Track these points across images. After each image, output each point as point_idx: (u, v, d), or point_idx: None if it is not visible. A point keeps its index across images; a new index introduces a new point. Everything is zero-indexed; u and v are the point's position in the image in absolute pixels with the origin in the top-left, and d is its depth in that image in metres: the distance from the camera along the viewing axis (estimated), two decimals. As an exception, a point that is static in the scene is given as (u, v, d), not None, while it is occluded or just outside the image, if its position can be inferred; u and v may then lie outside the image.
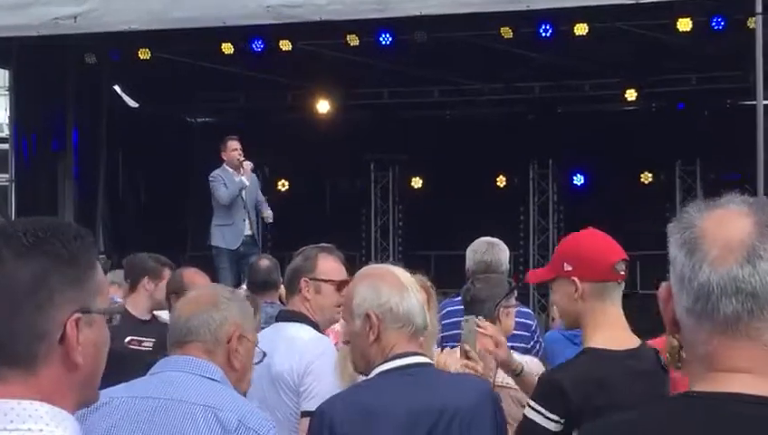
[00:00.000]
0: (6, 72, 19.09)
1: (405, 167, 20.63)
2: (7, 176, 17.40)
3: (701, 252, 1.97)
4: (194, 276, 7.54)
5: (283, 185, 20.19)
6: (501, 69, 17.72)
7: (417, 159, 20.11)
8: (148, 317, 7.88)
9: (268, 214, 13.34)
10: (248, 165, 13.02)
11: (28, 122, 17.06)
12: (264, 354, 3.83)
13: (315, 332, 5.25)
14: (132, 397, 3.38)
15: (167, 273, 7.95)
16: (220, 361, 3.47)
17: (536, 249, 19.78)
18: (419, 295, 3.81)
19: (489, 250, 7.31)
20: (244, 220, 12.89)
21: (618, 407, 2.39)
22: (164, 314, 7.84)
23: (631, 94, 18.24)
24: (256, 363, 3.72)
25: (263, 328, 5.44)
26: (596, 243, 4.30)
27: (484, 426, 3.63)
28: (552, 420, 3.92)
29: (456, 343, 4.99)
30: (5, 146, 17.98)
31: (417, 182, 20.66)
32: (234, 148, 12.97)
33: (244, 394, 3.65)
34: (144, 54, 15.94)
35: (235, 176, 12.89)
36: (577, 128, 18.73)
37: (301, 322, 5.20)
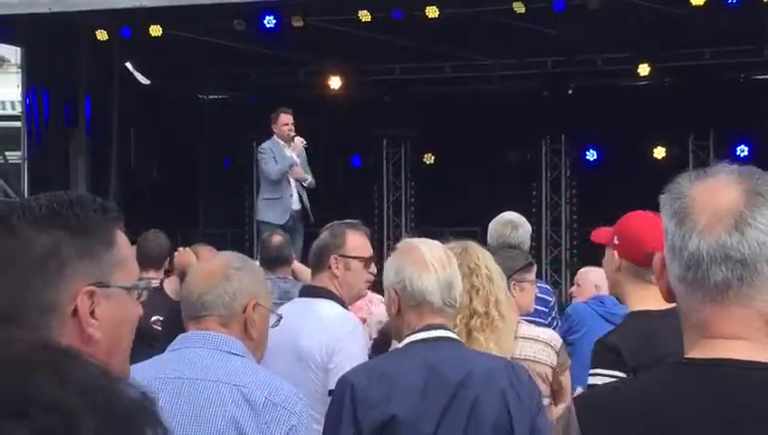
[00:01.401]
0: (18, 50, 19.11)
1: (417, 143, 20.60)
2: (20, 153, 17.46)
3: (691, 221, 1.98)
4: (207, 254, 7.59)
5: (295, 162, 20.21)
6: (513, 44, 17.66)
7: (430, 135, 20.07)
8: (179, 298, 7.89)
9: (310, 181, 12.66)
10: (300, 140, 12.56)
11: (40, 100, 17.10)
12: (280, 317, 3.81)
13: (342, 309, 5.23)
14: (158, 378, 3.34)
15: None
16: (237, 332, 3.45)
17: (549, 225, 19.75)
18: (448, 272, 3.79)
19: (512, 229, 7.29)
20: (291, 195, 12.51)
21: (671, 358, 2.42)
22: None
23: (644, 69, 18.16)
24: (272, 327, 3.71)
25: (279, 303, 5.43)
26: (641, 228, 4.32)
27: (494, 401, 3.61)
28: (611, 377, 3.93)
29: None
30: (18, 123, 18.03)
31: (429, 158, 20.63)
32: (285, 122, 12.44)
33: (259, 361, 3.63)
34: (155, 31, 15.94)
35: (286, 150, 12.49)
36: (589, 103, 18.68)
37: (327, 298, 5.16)
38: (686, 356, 2.04)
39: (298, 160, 12.45)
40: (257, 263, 3.92)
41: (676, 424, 1.96)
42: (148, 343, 3.77)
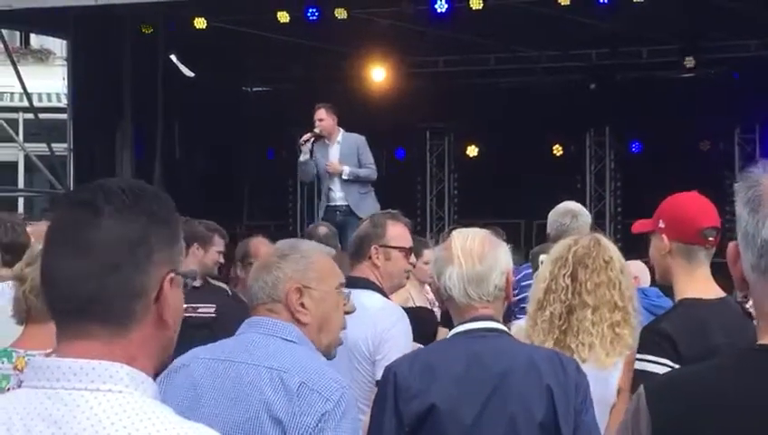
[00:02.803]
0: (64, 43, 19.26)
1: (460, 135, 20.56)
2: (65, 145, 17.58)
3: (765, 208, 1.97)
4: (258, 245, 7.72)
5: (338, 153, 20.22)
6: (557, 36, 17.58)
7: (473, 127, 20.03)
8: (199, 284, 7.94)
9: (347, 171, 12.33)
10: (339, 131, 12.25)
11: (86, 92, 17.22)
12: (349, 293, 3.81)
13: (386, 299, 5.23)
14: (211, 359, 3.45)
15: (216, 239, 8.02)
16: (285, 318, 3.50)
17: (593, 217, 19.61)
18: (477, 266, 3.74)
19: (572, 218, 7.25)
20: (332, 191, 12.32)
21: (716, 352, 2.40)
22: None
23: (690, 61, 18.04)
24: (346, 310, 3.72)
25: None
26: (690, 206, 4.34)
27: (538, 396, 3.59)
28: (666, 366, 3.91)
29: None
30: (64, 116, 18.15)
31: (472, 151, 20.59)
32: (316, 117, 12.28)
33: (330, 346, 3.63)
34: (200, 24, 16.01)
35: (330, 147, 12.27)
36: (634, 95, 18.57)
37: (369, 289, 5.13)
38: (759, 343, 2.02)
39: (310, 156, 12.17)
40: (316, 246, 3.91)
41: (749, 409, 1.95)
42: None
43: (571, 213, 7.26)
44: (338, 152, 12.20)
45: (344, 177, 12.03)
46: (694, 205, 4.34)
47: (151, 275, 1.95)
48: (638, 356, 4.09)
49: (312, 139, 12.21)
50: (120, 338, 1.91)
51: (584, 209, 7.44)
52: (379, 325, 4.91)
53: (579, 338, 4.44)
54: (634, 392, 4.07)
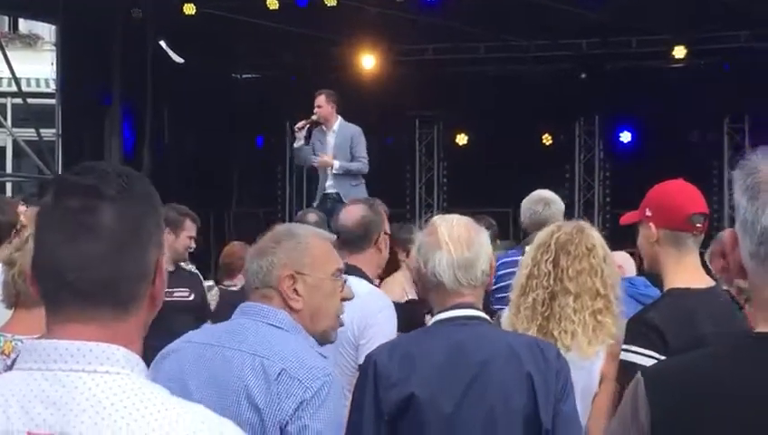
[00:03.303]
0: (53, 28, 19.19)
1: (449, 123, 20.56)
2: (54, 130, 17.54)
3: (764, 196, 1.98)
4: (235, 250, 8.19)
5: (327, 141, 20.21)
6: (547, 25, 17.58)
7: (462, 115, 20.02)
8: (172, 268, 7.94)
9: (337, 165, 12.34)
10: (337, 119, 12.28)
11: (75, 78, 17.17)
12: (345, 280, 3.78)
13: (372, 286, 5.22)
14: (201, 344, 3.46)
15: (188, 224, 8.00)
16: (278, 304, 3.50)
17: (582, 207, 19.68)
18: (465, 252, 3.74)
19: (544, 206, 7.22)
20: (325, 180, 12.35)
21: (704, 342, 2.41)
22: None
23: (680, 51, 18.06)
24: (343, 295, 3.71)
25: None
26: (676, 193, 4.33)
27: (519, 384, 3.58)
28: (652, 358, 3.91)
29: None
30: (52, 101, 18.11)
31: (461, 139, 20.59)
32: (315, 104, 12.29)
33: (325, 333, 3.61)
34: (189, 10, 15.97)
35: (327, 134, 12.29)
36: (624, 85, 18.58)
37: (355, 275, 5.04)
38: (756, 331, 2.03)
39: (301, 144, 12.24)
40: (314, 231, 3.86)
41: (745, 398, 1.96)
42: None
43: (543, 201, 7.23)
44: (333, 140, 12.23)
45: (334, 171, 12.05)
46: (680, 192, 4.34)
47: (151, 258, 1.98)
48: (625, 347, 4.09)
49: (308, 125, 12.24)
50: (122, 321, 1.93)
51: (557, 197, 7.40)
52: (366, 310, 4.88)
53: (561, 325, 4.42)
54: (620, 382, 4.09)
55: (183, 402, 1.91)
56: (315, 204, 12.32)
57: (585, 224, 4.73)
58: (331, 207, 11.70)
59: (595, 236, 4.60)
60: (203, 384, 3.30)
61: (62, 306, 1.91)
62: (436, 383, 3.55)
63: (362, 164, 12.20)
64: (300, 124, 12.30)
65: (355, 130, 12.29)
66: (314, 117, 12.24)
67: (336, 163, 12.07)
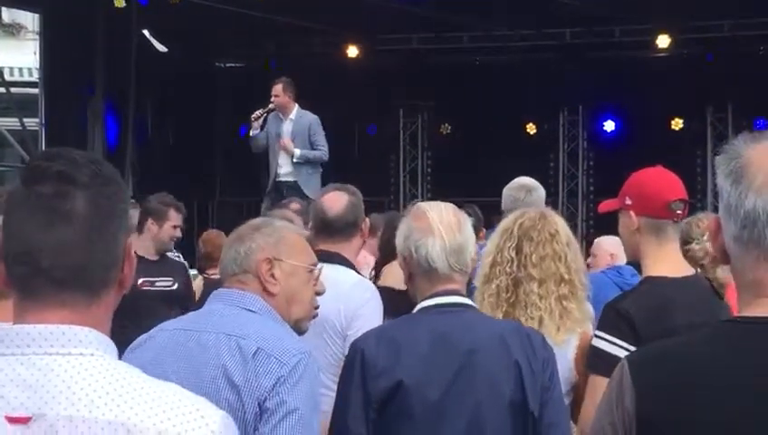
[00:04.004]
0: (36, 16, 19.12)
1: (434, 113, 20.57)
2: (37, 120, 17.49)
3: (747, 180, 1.99)
4: (212, 237, 8.37)
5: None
6: (531, 15, 17.58)
7: (447, 105, 20.04)
8: (156, 258, 7.94)
9: (297, 154, 12.40)
10: (294, 107, 12.35)
11: (58, 67, 17.11)
12: (320, 267, 3.79)
13: (358, 275, 5.19)
14: (175, 329, 3.49)
15: (171, 214, 8.00)
16: (255, 288, 3.53)
17: (566, 196, 19.72)
18: (457, 237, 3.74)
19: (526, 192, 7.17)
20: (278, 168, 12.39)
21: (681, 331, 2.42)
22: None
23: (663, 40, 18.10)
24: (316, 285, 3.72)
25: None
26: (655, 180, 4.32)
27: (507, 372, 3.58)
28: (621, 348, 3.92)
29: None
30: (35, 90, 18.04)
31: (445, 129, 20.62)
32: (272, 93, 12.40)
33: (300, 322, 3.63)
34: (173, -2, 15.90)
35: (283, 122, 12.34)
36: (607, 74, 18.61)
37: (343, 264, 5.06)
38: (739, 314, 2.05)
39: (260, 130, 12.28)
40: (288, 224, 3.89)
41: (730, 380, 1.98)
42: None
43: (525, 187, 7.17)
44: (291, 127, 12.26)
45: (295, 160, 12.08)
46: (660, 179, 4.33)
47: (123, 244, 1.99)
48: (597, 332, 4.09)
49: (264, 115, 12.29)
50: (93, 306, 1.94)
51: (538, 184, 7.34)
52: (354, 301, 4.87)
53: (527, 312, 4.39)
54: (586, 366, 4.11)
55: (158, 381, 1.92)
56: (267, 190, 12.38)
57: (549, 210, 4.71)
58: (287, 195, 11.77)
59: (558, 221, 4.57)
60: (179, 368, 3.32)
61: (35, 292, 1.91)
62: (423, 371, 3.55)
63: (322, 152, 12.22)
64: (256, 114, 12.37)
65: (313, 119, 12.32)
66: (271, 105, 12.31)
67: (297, 151, 12.10)
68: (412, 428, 3.54)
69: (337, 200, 5.27)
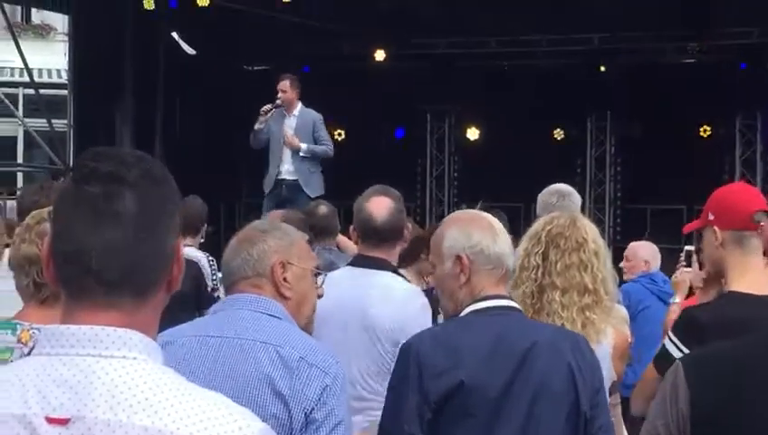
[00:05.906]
0: (66, 18, 19.23)
1: (461, 117, 20.55)
2: (66, 121, 17.58)
3: None
4: None
5: (339, 134, 20.16)
6: (560, 19, 17.55)
7: (474, 109, 20.02)
8: None
9: (304, 148, 12.36)
10: (298, 104, 12.37)
11: (87, 68, 17.20)
12: (324, 274, 3.79)
13: (408, 283, 5.18)
14: (195, 336, 3.41)
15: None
16: (269, 293, 3.49)
17: (593, 202, 19.67)
18: (509, 239, 3.78)
19: (559, 198, 7.15)
20: (280, 165, 12.36)
21: None
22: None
23: (693, 47, 18.04)
24: (318, 288, 3.72)
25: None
26: (737, 193, 4.37)
27: (561, 374, 3.60)
28: (683, 353, 3.93)
29: None
30: (64, 92, 18.14)
31: (473, 133, 20.59)
32: (279, 88, 12.39)
33: (306, 326, 3.62)
34: (202, 1, 15.98)
35: (287, 118, 12.35)
36: (636, 80, 18.56)
37: (388, 270, 5.05)
38: None
39: (262, 127, 12.28)
40: (292, 228, 3.87)
41: None
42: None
43: (558, 193, 7.13)
44: (294, 124, 12.24)
45: (301, 154, 12.04)
46: (741, 192, 4.40)
47: (173, 244, 1.98)
48: (670, 335, 4.11)
49: (273, 110, 12.29)
50: (141, 307, 1.93)
51: (574, 191, 7.30)
52: (409, 308, 4.86)
53: (550, 320, 4.38)
54: (655, 364, 4.13)
55: (201, 389, 1.91)
56: (268, 190, 12.37)
57: (580, 216, 4.68)
58: (288, 195, 11.80)
59: (588, 229, 4.53)
60: (211, 375, 3.26)
61: (84, 293, 1.90)
62: (482, 371, 3.55)
63: (328, 147, 12.21)
64: (266, 108, 12.33)
65: (316, 116, 12.30)
66: (278, 101, 12.31)
67: (303, 146, 12.05)
68: (471, 427, 3.54)
69: (384, 207, 5.21)
